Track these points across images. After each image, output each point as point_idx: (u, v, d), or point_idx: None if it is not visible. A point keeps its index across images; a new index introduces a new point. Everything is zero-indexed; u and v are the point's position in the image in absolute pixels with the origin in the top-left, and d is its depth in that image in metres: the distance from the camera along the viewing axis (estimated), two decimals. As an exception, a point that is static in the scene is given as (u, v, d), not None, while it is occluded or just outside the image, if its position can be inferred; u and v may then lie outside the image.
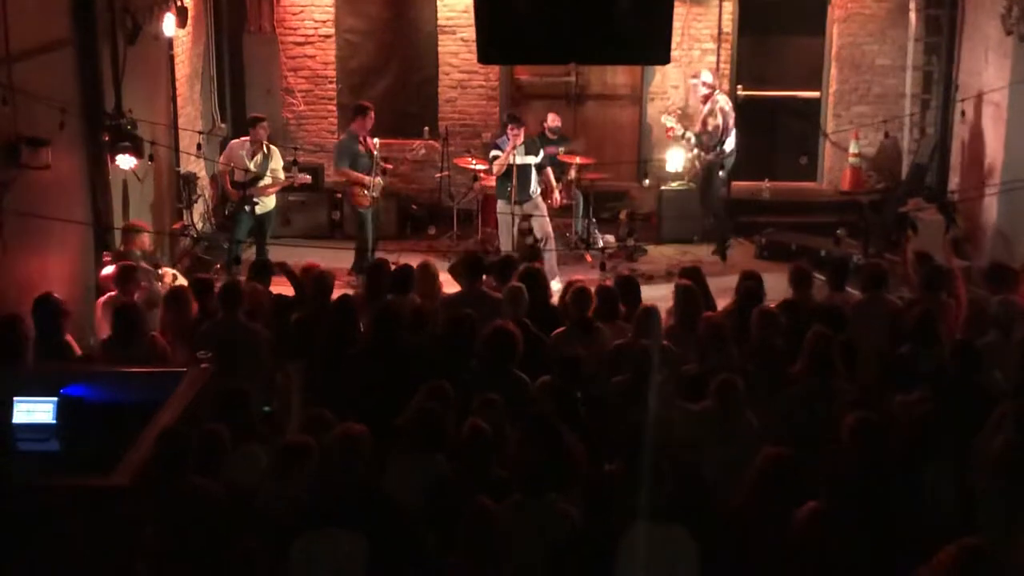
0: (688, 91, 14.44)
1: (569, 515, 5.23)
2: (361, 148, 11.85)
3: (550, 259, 11.57)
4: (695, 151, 12.94)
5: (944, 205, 13.03)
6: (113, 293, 8.21)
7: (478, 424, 5.71)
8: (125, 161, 9.59)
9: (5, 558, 5.17)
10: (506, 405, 6.17)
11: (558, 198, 12.45)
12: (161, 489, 5.34)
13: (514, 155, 11.55)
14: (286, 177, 11.69)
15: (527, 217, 11.84)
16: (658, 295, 8.71)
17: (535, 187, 11.94)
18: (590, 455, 5.99)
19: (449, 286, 9.18)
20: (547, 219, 11.99)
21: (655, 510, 5.07)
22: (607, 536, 5.01)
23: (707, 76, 13.06)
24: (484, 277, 8.54)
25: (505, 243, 11.78)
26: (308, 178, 12.09)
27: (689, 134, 12.83)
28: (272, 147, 11.77)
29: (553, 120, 13.33)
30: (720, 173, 12.89)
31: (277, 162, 11.67)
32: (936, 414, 5.89)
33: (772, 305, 7.97)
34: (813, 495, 5.22)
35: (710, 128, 12.75)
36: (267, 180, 11.50)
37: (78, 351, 7.50)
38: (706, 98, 12.89)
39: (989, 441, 5.75)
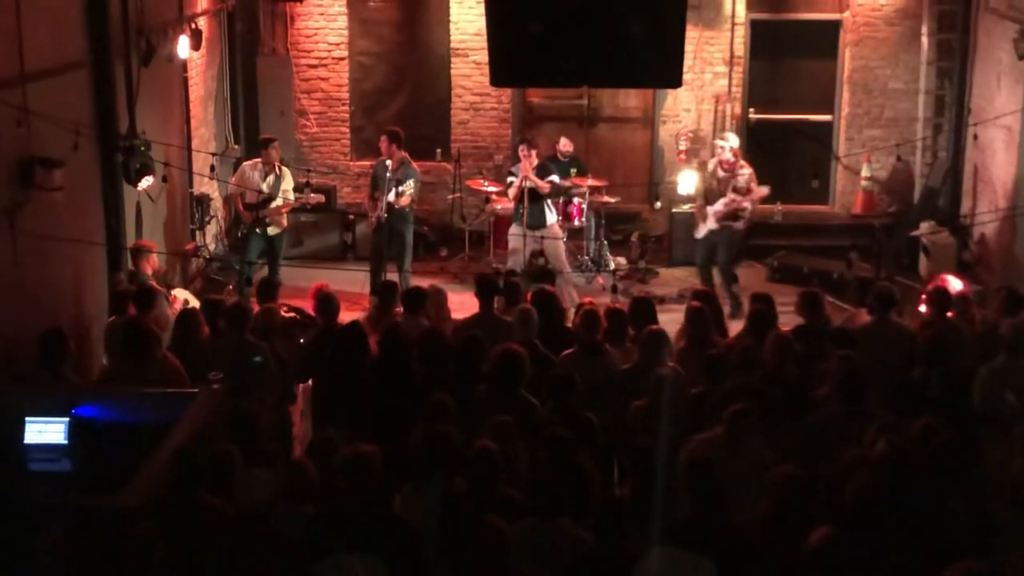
0: (700, 114, 14.46)
1: (582, 539, 5.20)
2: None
3: (567, 290, 11.37)
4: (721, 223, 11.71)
5: (956, 229, 13.03)
6: (123, 315, 8.21)
7: (487, 445, 5.69)
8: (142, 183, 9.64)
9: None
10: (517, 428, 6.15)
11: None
12: (173, 509, 5.34)
13: (527, 178, 11.55)
14: (296, 197, 11.71)
15: (539, 253, 11.74)
16: (670, 318, 8.65)
17: (550, 215, 11.89)
18: (603, 478, 5.97)
19: (458, 311, 9.15)
20: (562, 251, 11.90)
21: (670, 535, 5.04)
22: (620, 560, 4.98)
23: (734, 141, 11.83)
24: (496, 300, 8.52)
25: (514, 266, 11.75)
26: (322, 198, 12.07)
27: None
28: (284, 168, 11.78)
29: (565, 145, 13.30)
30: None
31: (289, 183, 11.69)
32: (949, 439, 5.86)
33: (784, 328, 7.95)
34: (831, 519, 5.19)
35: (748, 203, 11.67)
36: (279, 202, 11.53)
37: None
38: (732, 165, 11.62)
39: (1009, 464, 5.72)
